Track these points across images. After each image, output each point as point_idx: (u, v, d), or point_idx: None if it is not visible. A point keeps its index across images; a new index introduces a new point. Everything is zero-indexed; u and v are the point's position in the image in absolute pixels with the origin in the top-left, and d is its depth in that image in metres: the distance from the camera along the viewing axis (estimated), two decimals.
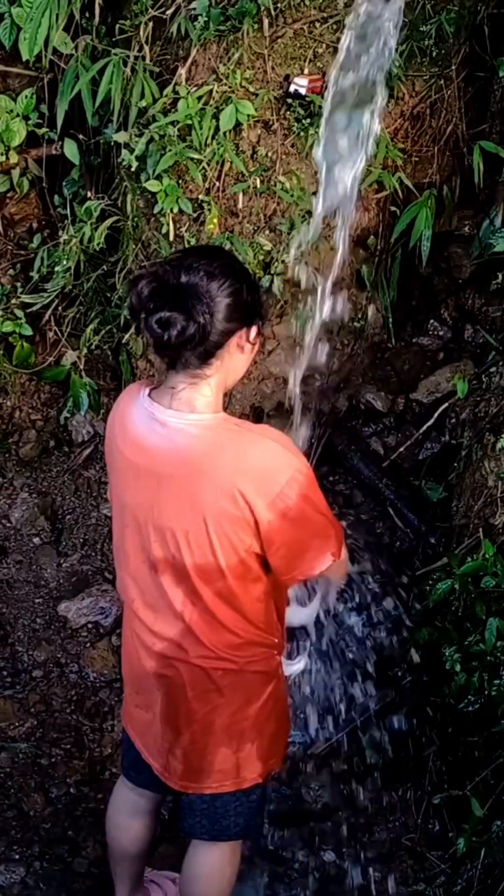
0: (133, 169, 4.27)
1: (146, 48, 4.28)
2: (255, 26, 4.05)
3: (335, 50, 4.07)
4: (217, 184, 4.29)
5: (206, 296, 2.66)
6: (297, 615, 3.23)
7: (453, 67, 4.42)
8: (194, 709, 2.99)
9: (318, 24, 4.09)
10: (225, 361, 2.77)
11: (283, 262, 4.34)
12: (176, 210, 4.24)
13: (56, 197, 4.99)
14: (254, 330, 2.79)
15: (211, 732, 3.00)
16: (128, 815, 3.44)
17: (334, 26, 4.09)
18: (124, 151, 4.26)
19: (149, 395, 2.84)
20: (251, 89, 4.14)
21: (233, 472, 2.68)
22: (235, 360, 2.81)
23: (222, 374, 2.80)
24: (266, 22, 4.04)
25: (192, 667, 2.93)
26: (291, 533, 2.75)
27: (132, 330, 4.72)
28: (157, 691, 3.05)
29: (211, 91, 4.12)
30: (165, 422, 2.76)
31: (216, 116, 4.11)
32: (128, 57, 4.28)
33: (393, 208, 4.66)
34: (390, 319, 5.08)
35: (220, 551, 2.75)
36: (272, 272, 4.36)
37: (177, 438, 2.74)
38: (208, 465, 2.71)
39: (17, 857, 3.86)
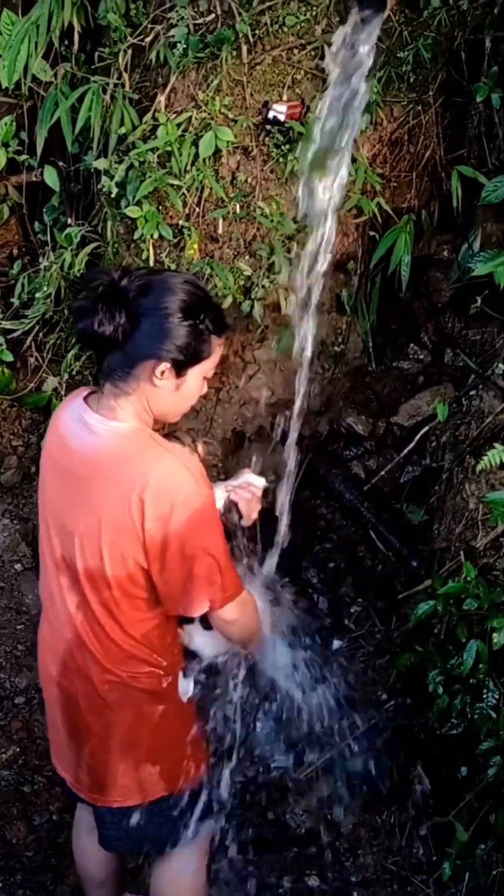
0: (113, 195, 4.28)
1: (125, 75, 4.30)
2: (234, 53, 4.07)
3: (314, 76, 4.10)
4: (197, 209, 4.30)
5: (125, 306, 2.69)
6: (198, 639, 3.19)
7: (431, 93, 4.45)
8: (89, 721, 3.01)
9: (296, 51, 4.12)
10: (142, 386, 2.78)
11: (263, 286, 4.35)
12: (156, 236, 4.24)
13: (36, 223, 5.00)
14: (163, 366, 2.76)
15: (108, 748, 3.02)
16: (88, 838, 3.44)
17: (312, 53, 4.11)
18: (104, 178, 4.27)
19: (85, 397, 2.89)
20: (230, 116, 4.16)
21: (132, 482, 2.71)
22: (151, 390, 2.80)
23: (141, 399, 2.80)
24: (244, 49, 4.07)
25: (83, 678, 2.96)
26: (176, 561, 2.77)
27: None
28: (57, 701, 3.09)
29: (190, 118, 4.13)
30: (89, 424, 2.81)
31: (196, 143, 4.12)
32: (107, 84, 4.30)
33: (372, 233, 4.69)
34: (370, 343, 5.10)
35: (107, 559, 2.78)
36: (252, 297, 4.37)
37: (94, 441, 2.79)
38: (112, 471, 2.75)
39: None
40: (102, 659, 2.92)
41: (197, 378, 2.87)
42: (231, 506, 3.18)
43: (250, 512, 3.22)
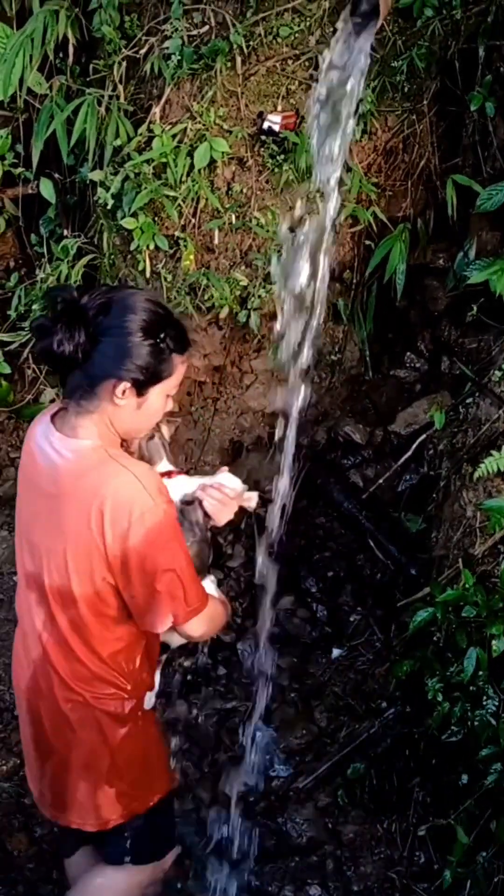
0: (109, 207, 4.29)
1: (120, 87, 4.32)
2: (228, 64, 4.08)
3: (308, 87, 4.11)
4: (193, 220, 4.31)
5: (85, 325, 2.67)
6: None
7: (425, 102, 4.47)
8: (52, 739, 3.02)
9: (290, 62, 4.13)
10: (104, 405, 2.76)
11: (259, 297, 4.36)
12: (152, 247, 4.26)
13: (33, 236, 5.01)
14: (123, 385, 2.73)
15: (69, 767, 3.02)
16: (76, 853, 3.43)
17: (306, 63, 4.13)
18: (100, 190, 4.29)
19: (53, 414, 2.87)
20: (225, 127, 4.17)
21: (92, 497, 2.70)
22: (113, 409, 2.77)
23: (104, 417, 2.78)
24: (239, 60, 4.08)
25: (48, 695, 2.96)
26: (137, 576, 2.76)
27: None
28: (26, 716, 3.09)
29: (185, 129, 4.15)
30: (53, 443, 2.80)
31: (191, 154, 4.14)
32: (102, 96, 4.32)
33: (368, 242, 4.69)
34: (367, 352, 5.11)
35: (74, 576, 2.77)
36: (249, 307, 4.38)
37: (56, 460, 2.78)
38: (73, 487, 2.74)
39: None
40: (67, 677, 2.91)
41: (159, 396, 2.84)
42: (195, 502, 3.13)
43: (217, 514, 3.14)
